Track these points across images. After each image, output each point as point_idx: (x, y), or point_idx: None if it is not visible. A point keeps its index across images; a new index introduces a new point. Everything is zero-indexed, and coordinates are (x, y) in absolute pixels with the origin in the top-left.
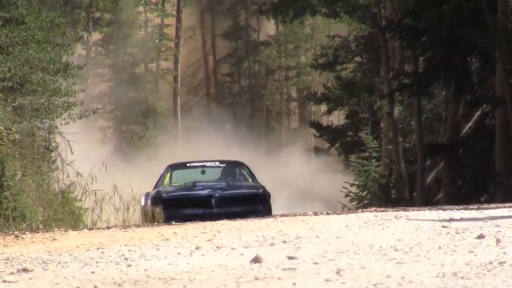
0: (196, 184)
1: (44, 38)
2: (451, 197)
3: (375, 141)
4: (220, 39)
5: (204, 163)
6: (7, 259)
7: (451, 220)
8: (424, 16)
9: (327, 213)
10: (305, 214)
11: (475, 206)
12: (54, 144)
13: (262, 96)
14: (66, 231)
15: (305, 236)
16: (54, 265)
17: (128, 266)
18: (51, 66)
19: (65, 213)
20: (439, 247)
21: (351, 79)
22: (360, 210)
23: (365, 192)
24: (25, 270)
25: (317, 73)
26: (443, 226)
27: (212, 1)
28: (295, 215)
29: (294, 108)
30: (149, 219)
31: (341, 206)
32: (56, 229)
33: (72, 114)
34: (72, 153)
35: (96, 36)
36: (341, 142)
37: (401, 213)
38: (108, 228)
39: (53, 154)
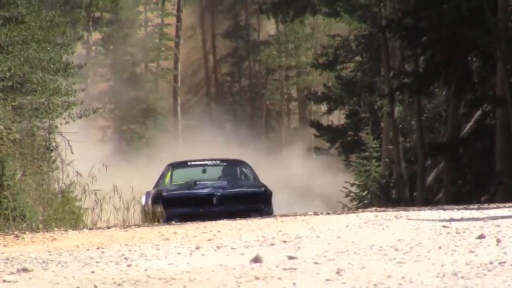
0: (197, 183)
1: (44, 37)
2: (451, 197)
3: (375, 141)
4: (220, 39)
5: (205, 162)
6: (7, 259)
7: (451, 220)
8: (425, 15)
9: (328, 213)
10: (305, 214)
11: (476, 206)
12: (54, 144)
13: (262, 96)
14: (66, 230)
15: (305, 236)
16: (54, 265)
17: (128, 266)
18: (51, 66)
19: (65, 213)
20: (440, 247)
21: (351, 79)
22: (360, 210)
23: (366, 192)
24: (25, 270)
25: (317, 72)
26: (444, 226)
27: (212, 0)
28: (295, 215)
29: (294, 108)
30: (149, 218)
31: (342, 206)
32: (56, 229)
33: (72, 114)
34: (72, 152)
35: (96, 35)
36: (342, 142)
37: (402, 213)
38: (108, 227)
39: (53, 153)
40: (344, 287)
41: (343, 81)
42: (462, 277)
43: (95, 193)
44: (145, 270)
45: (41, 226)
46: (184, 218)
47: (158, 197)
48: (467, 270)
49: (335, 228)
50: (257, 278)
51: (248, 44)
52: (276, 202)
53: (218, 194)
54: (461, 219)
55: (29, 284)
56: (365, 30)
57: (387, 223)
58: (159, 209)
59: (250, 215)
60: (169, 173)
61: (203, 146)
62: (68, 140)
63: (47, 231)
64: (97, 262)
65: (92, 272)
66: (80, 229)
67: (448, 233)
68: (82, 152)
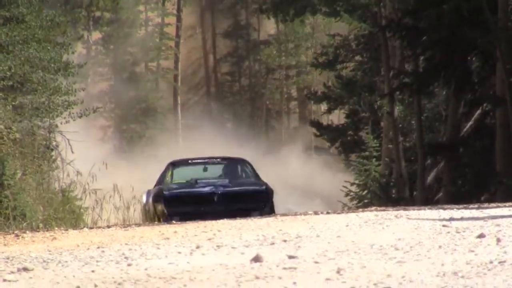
0: (198, 181)
1: (44, 37)
2: (451, 196)
3: (375, 140)
4: (221, 38)
5: (206, 160)
6: (8, 258)
7: (451, 219)
8: (424, 15)
9: (328, 212)
10: (305, 213)
11: (476, 206)
12: (54, 143)
13: (262, 95)
14: (67, 230)
15: (305, 235)
16: (54, 264)
17: (129, 265)
18: (52, 65)
19: (65, 212)
20: (440, 246)
21: (351, 78)
22: (360, 209)
23: (366, 191)
24: (25, 269)
25: (317, 72)
26: (444, 226)
27: (213, 0)
28: (295, 214)
29: (294, 107)
30: (150, 217)
31: (342, 205)
32: (56, 228)
33: (73, 113)
34: (72, 152)
35: (96, 35)
36: (342, 141)
37: (402, 212)
38: (109, 227)
39: (53, 153)
40: (344, 286)
41: (343, 81)
42: (462, 276)
43: (96, 192)
44: (146, 269)
45: (41, 225)
46: (185, 216)
47: (159, 196)
48: (467, 269)
49: (335, 228)
50: (257, 278)
51: (248, 43)
52: (276, 201)
53: (219, 192)
54: (461, 219)
55: (30, 284)
56: (365, 29)
57: (387, 222)
58: (160, 207)
59: (251, 213)
60: (170, 171)
61: (203, 145)
62: (68, 140)
63: (47, 230)
64: (97, 261)
65: (93, 271)
66: (81, 228)
67: (448, 232)
68: (82, 152)
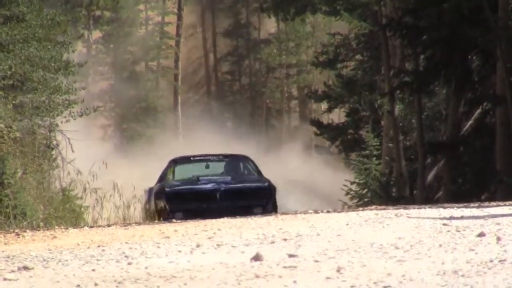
0: (200, 178)
1: (45, 36)
2: (451, 195)
3: (375, 139)
4: (221, 37)
5: (208, 157)
6: (8, 257)
7: (451, 218)
8: (425, 14)
9: (328, 211)
10: (305, 212)
11: (476, 204)
12: (54, 142)
13: (263, 94)
14: (67, 229)
15: (305, 234)
16: (54, 263)
17: (129, 264)
18: (52, 64)
19: (65, 211)
20: (440, 245)
21: (351, 77)
22: (360, 208)
23: (366, 190)
24: (25, 268)
25: (317, 71)
26: (444, 224)
27: None
28: (295, 213)
29: (295, 106)
30: (152, 214)
31: (342, 204)
32: (56, 227)
33: (73, 112)
34: (72, 151)
35: (96, 34)
36: (342, 140)
37: (402, 211)
38: (109, 225)
39: (53, 152)
40: (344, 285)
41: (344, 80)
42: (462, 275)
43: (96, 191)
44: (146, 268)
45: (41, 224)
46: (188, 213)
47: (161, 193)
48: (468, 268)
49: (336, 226)
50: (257, 276)
51: (249, 42)
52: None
53: (222, 189)
54: (461, 217)
55: (30, 282)
56: (366, 28)
57: (387, 221)
58: (162, 204)
59: (254, 210)
60: (172, 168)
61: (204, 144)
62: (68, 139)
63: (47, 229)
64: (97, 260)
65: (93, 270)
66: (81, 227)
67: (449, 231)
68: (82, 151)
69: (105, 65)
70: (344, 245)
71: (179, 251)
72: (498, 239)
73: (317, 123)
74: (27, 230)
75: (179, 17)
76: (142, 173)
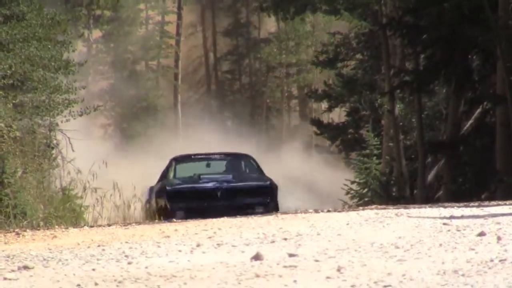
0: (201, 176)
1: (45, 35)
2: (451, 194)
3: (376, 139)
4: (221, 36)
5: (209, 156)
6: (8, 257)
7: (452, 217)
8: (425, 13)
9: (328, 211)
10: (305, 212)
11: (476, 204)
12: (54, 142)
13: (263, 93)
14: (67, 228)
15: (306, 233)
16: (54, 263)
17: (129, 263)
18: (52, 63)
19: (65, 211)
20: (440, 245)
21: (352, 77)
22: (361, 207)
23: (366, 190)
24: (25, 267)
25: (317, 70)
26: (444, 224)
27: None
28: (295, 212)
29: (295, 106)
30: (152, 213)
31: (342, 203)
32: (56, 227)
33: (73, 112)
34: (72, 150)
35: (97, 33)
36: (342, 140)
37: (402, 210)
38: (109, 225)
39: (53, 151)
40: (344, 284)
41: (344, 79)
42: (462, 275)
43: (96, 190)
44: (146, 267)
45: (41, 223)
46: (189, 212)
47: (162, 191)
48: (468, 268)
49: (336, 226)
50: (257, 276)
51: (249, 41)
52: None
53: (223, 188)
54: (462, 217)
55: (30, 282)
56: (366, 28)
57: (387, 220)
58: (163, 203)
59: (256, 209)
60: (173, 167)
61: (204, 143)
62: (69, 138)
63: (47, 229)
64: (97, 259)
65: (93, 269)
66: (81, 227)
67: (449, 230)
68: (82, 150)
69: (105, 64)
70: (345, 244)
71: (179, 251)
72: (499, 238)
73: (317, 123)
74: (27, 230)
75: (179, 16)
76: (142, 172)
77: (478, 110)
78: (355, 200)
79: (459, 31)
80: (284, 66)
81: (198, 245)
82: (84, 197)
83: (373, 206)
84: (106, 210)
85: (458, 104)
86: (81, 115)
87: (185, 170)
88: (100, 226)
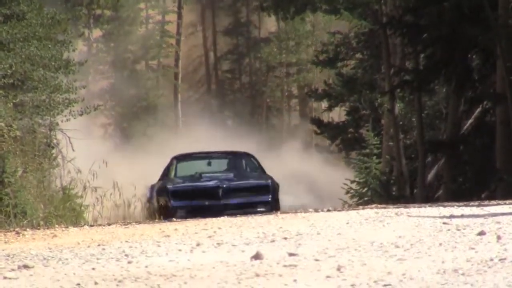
0: (203, 175)
1: (45, 34)
2: (451, 194)
3: (376, 138)
4: (221, 36)
5: (210, 154)
6: (8, 256)
7: (452, 216)
8: (425, 12)
9: (328, 210)
10: (305, 211)
11: (476, 203)
12: (55, 141)
13: (263, 93)
14: (67, 227)
15: (306, 232)
16: (54, 262)
17: (129, 262)
18: (52, 63)
19: (66, 210)
20: (440, 244)
21: (352, 76)
22: (361, 207)
23: (366, 189)
24: (26, 266)
25: (318, 69)
26: (444, 223)
27: None
28: (295, 211)
29: (295, 105)
30: (153, 212)
31: (342, 202)
32: (57, 226)
33: (73, 111)
34: (73, 150)
35: (97, 32)
36: (342, 139)
37: (402, 210)
38: (109, 224)
39: (54, 151)
40: (344, 283)
41: (344, 78)
42: (462, 274)
43: (96, 189)
44: (146, 266)
45: (42, 223)
46: (189, 210)
47: (164, 190)
48: (468, 267)
49: (336, 225)
50: (257, 275)
51: (249, 41)
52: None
53: (224, 186)
54: (462, 216)
55: (30, 281)
56: (366, 27)
57: (387, 220)
58: (165, 201)
59: (257, 207)
60: (174, 165)
61: (204, 143)
62: (69, 137)
63: (48, 228)
64: (97, 258)
65: (93, 268)
66: (81, 226)
67: (449, 230)
68: (83, 149)
69: (106, 63)
70: (345, 244)
71: (179, 250)
72: (498, 237)
73: (317, 122)
74: (27, 229)
75: (179, 16)
76: (142, 171)
77: (478, 109)
78: (355, 199)
79: (459, 30)
80: (284, 66)
81: (198, 245)
82: (84, 196)
83: (373, 206)
84: (106, 209)
85: (458, 103)
86: (81, 115)
87: (187, 169)
88: (100, 225)
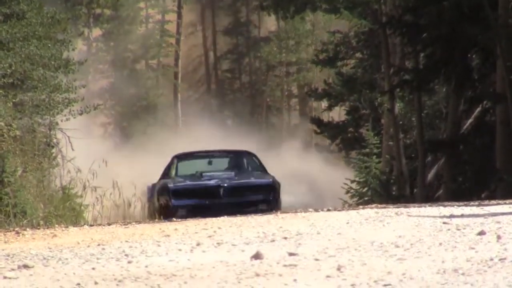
0: (203, 174)
1: (45, 34)
2: (451, 193)
3: (376, 138)
4: (221, 35)
5: (211, 153)
6: (8, 256)
7: (452, 216)
8: (425, 12)
9: (328, 210)
10: (305, 211)
11: (476, 203)
12: (54, 140)
13: (263, 92)
14: (67, 227)
15: (306, 232)
16: (54, 262)
17: (129, 262)
18: (52, 62)
19: (65, 210)
20: (440, 244)
21: (351, 75)
22: (361, 206)
23: (366, 189)
24: (25, 266)
25: (317, 69)
26: (444, 223)
27: None
28: (295, 211)
29: (295, 104)
30: (154, 211)
31: (342, 202)
32: (56, 226)
33: (73, 110)
34: (72, 149)
35: (97, 32)
36: (342, 138)
37: (402, 209)
38: (109, 224)
39: (53, 150)
40: (344, 283)
41: (344, 78)
42: (462, 274)
43: (95, 189)
44: (146, 266)
45: (41, 222)
46: (190, 209)
47: (164, 189)
48: (468, 267)
49: (336, 225)
50: (257, 275)
51: (249, 40)
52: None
53: (225, 185)
54: (462, 216)
55: (30, 281)
56: (365, 26)
57: (387, 219)
58: (165, 201)
59: (258, 206)
60: (175, 164)
61: (204, 142)
62: (68, 137)
63: (47, 228)
64: (97, 258)
65: (93, 268)
66: (81, 226)
67: (449, 229)
68: (82, 149)
69: (105, 63)
70: (345, 243)
71: (179, 250)
72: (498, 237)
73: (317, 121)
74: (27, 229)
75: (179, 15)
76: (142, 171)
77: (478, 109)
78: (355, 199)
79: (459, 30)
80: (284, 65)
81: (198, 244)
82: (84, 196)
83: (373, 205)
84: (106, 209)
85: (458, 102)
86: (81, 114)
87: (187, 168)
88: (100, 225)
